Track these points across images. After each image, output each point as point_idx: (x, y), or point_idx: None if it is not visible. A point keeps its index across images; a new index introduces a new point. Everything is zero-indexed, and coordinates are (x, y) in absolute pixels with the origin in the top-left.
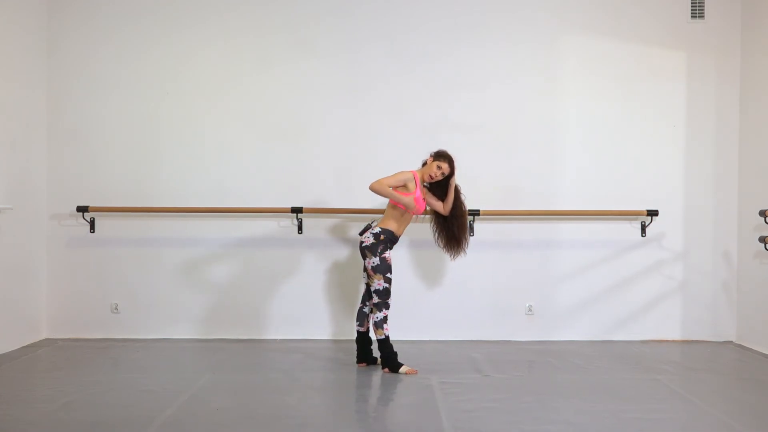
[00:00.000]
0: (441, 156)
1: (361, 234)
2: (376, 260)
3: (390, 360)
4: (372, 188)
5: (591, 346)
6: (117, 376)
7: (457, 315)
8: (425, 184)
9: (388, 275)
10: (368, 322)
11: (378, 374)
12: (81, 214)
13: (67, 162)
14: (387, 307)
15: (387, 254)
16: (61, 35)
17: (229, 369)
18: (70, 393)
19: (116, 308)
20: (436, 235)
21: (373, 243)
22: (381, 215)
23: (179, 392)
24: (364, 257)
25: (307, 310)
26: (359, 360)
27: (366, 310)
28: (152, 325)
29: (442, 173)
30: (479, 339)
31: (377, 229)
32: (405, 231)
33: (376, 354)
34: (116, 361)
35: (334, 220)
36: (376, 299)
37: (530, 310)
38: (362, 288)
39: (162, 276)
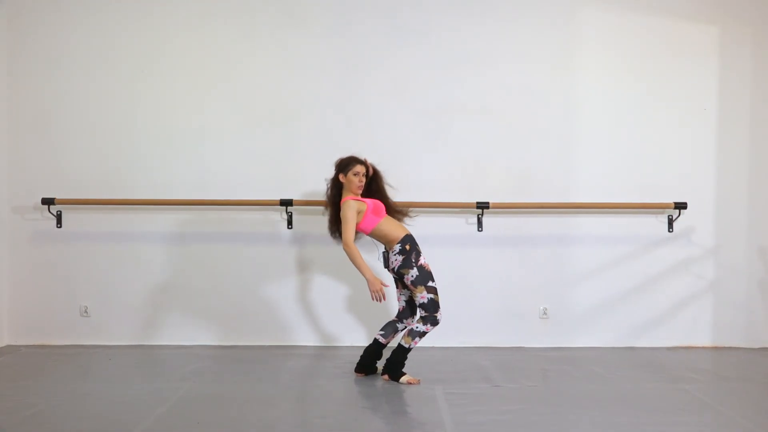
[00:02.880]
0: (345, 164)
1: (386, 265)
2: (414, 272)
3: (395, 368)
4: (345, 251)
5: (612, 353)
6: (87, 385)
7: (463, 319)
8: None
9: (431, 284)
10: (393, 337)
11: (377, 384)
12: (46, 206)
13: (31, 149)
14: (435, 323)
15: (423, 260)
16: (23, 9)
17: (211, 378)
18: (35, 404)
19: (86, 311)
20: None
21: (404, 259)
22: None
23: (156, 403)
24: (402, 277)
25: (298, 313)
26: (358, 369)
27: (399, 326)
28: (126, 330)
29: (364, 174)
30: (488, 345)
31: (397, 247)
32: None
33: (378, 364)
34: (86, 369)
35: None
36: (422, 313)
37: (545, 313)
38: (396, 305)
39: (136, 276)
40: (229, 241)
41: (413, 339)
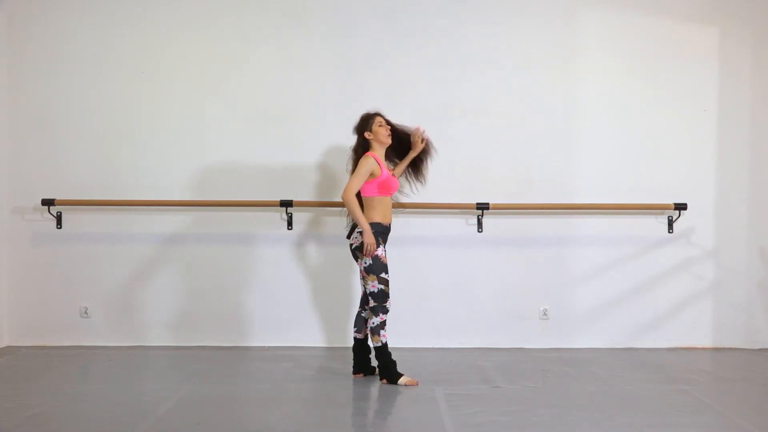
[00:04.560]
0: (366, 120)
1: (348, 236)
2: (368, 260)
3: (388, 370)
4: (343, 200)
5: (612, 353)
6: (87, 387)
7: (462, 320)
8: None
9: (384, 275)
10: (367, 328)
11: (376, 386)
12: (46, 207)
13: (31, 150)
14: (384, 311)
15: (380, 251)
16: (23, 9)
17: (211, 379)
18: (35, 406)
19: (86, 312)
20: (412, 177)
21: (362, 243)
22: None
23: (156, 405)
24: (357, 259)
25: (298, 314)
26: (356, 370)
27: (364, 315)
28: (126, 331)
29: (386, 126)
30: (488, 346)
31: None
32: (402, 220)
33: (374, 363)
34: (86, 370)
35: (328, 215)
36: (371, 303)
37: (544, 314)
38: (360, 291)
39: (136, 276)
40: (229, 243)
41: (378, 335)
